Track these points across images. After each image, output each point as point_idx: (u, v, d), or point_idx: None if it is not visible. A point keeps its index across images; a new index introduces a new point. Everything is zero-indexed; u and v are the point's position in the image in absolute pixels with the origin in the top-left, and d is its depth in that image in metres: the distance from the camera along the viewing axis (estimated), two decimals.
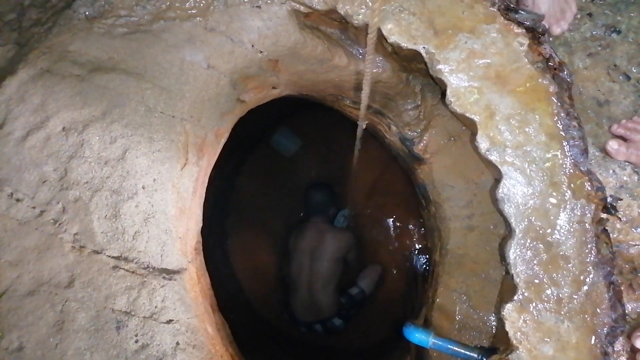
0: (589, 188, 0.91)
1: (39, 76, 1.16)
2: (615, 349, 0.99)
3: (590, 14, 1.28)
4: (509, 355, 0.91)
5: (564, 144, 0.93)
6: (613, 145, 1.16)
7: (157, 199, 1.11)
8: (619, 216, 1.04)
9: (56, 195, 1.09)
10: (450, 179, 1.53)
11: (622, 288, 1.08)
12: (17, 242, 1.07)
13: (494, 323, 1.31)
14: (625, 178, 1.18)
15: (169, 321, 1.02)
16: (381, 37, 1.11)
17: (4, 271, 1.06)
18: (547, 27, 1.23)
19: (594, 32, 1.27)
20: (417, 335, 1.07)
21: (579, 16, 1.28)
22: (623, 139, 1.18)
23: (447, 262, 1.53)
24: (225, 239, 2.99)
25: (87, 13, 1.23)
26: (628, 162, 1.18)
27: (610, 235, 1.12)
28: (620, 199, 1.06)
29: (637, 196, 1.17)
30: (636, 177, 1.18)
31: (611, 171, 1.19)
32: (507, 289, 1.02)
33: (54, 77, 1.16)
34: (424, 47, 1.02)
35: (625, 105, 1.23)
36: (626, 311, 0.99)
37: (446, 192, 1.55)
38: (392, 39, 1.04)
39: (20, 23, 1.26)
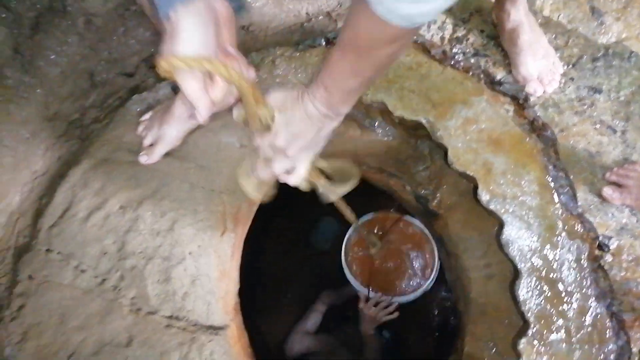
0: (581, 229, 1.03)
1: (99, 164, 1.37)
2: None
3: (572, 78, 1.44)
4: None
5: (553, 192, 1.06)
6: (607, 191, 1.28)
7: (201, 263, 1.26)
8: (613, 252, 1.14)
9: (115, 264, 1.26)
10: (466, 232, 1.65)
11: (637, 323, 1.15)
12: (82, 309, 1.22)
13: None
14: (624, 220, 1.29)
15: None
16: (388, 111, 1.29)
17: (71, 335, 1.20)
18: (539, 88, 1.40)
19: (578, 94, 1.43)
20: None
21: (563, 81, 1.45)
22: (617, 184, 1.30)
23: (471, 311, 1.60)
24: (254, 302, 3.06)
25: (138, 109, 1.46)
26: (624, 205, 1.29)
27: (618, 273, 1.21)
28: (611, 237, 1.15)
29: (638, 236, 1.27)
30: (635, 219, 1.28)
31: (610, 214, 1.30)
32: (522, 327, 1.11)
33: (112, 164, 1.36)
34: (424, 118, 1.20)
35: (615, 155, 1.35)
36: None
37: (463, 244, 1.66)
38: (397, 112, 1.22)
39: (82, 121, 1.49)
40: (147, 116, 1.41)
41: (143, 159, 1.33)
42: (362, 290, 2.16)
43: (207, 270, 1.26)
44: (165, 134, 1.32)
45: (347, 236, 2.26)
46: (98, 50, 1.42)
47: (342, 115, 0.90)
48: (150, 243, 1.26)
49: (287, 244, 3.21)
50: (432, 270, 2.16)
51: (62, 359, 1.19)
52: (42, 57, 1.33)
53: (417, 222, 2.21)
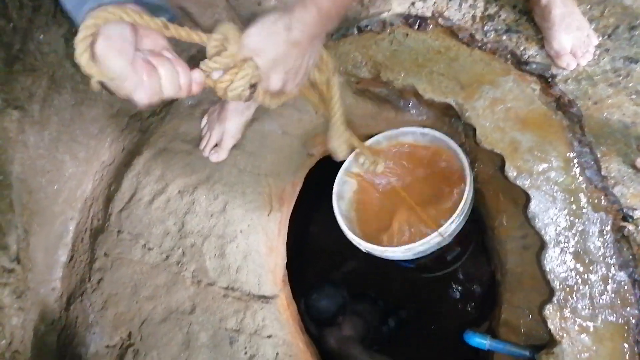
0: (605, 202, 1.07)
1: (159, 154, 1.53)
2: None
3: (607, 50, 1.44)
4: (554, 349, 1.06)
5: (578, 167, 1.10)
6: None
7: (251, 240, 1.40)
8: (636, 223, 1.17)
9: (177, 243, 1.42)
10: (502, 205, 1.70)
11: None
12: (151, 282, 1.40)
13: None
14: None
15: (269, 336, 1.28)
16: (418, 94, 1.36)
17: (142, 304, 1.39)
18: (572, 62, 1.41)
19: (613, 65, 1.43)
20: (476, 339, 1.25)
21: (597, 52, 1.45)
22: None
23: (508, 281, 1.67)
24: (303, 274, 3.22)
25: (190, 102, 1.60)
26: None
27: None
28: (636, 209, 1.18)
29: None
30: None
31: None
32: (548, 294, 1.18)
33: (170, 153, 1.52)
34: (453, 100, 1.26)
35: None
36: None
37: (500, 217, 1.71)
38: (426, 96, 1.29)
39: (141, 115, 1.65)
40: (204, 122, 1.52)
41: (214, 157, 1.46)
42: (363, 246, 1.55)
43: (256, 247, 1.40)
44: (228, 130, 1.44)
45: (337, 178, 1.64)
46: None
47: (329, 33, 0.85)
48: (205, 223, 1.41)
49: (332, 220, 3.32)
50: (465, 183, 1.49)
51: (136, 324, 1.38)
52: None
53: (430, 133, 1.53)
